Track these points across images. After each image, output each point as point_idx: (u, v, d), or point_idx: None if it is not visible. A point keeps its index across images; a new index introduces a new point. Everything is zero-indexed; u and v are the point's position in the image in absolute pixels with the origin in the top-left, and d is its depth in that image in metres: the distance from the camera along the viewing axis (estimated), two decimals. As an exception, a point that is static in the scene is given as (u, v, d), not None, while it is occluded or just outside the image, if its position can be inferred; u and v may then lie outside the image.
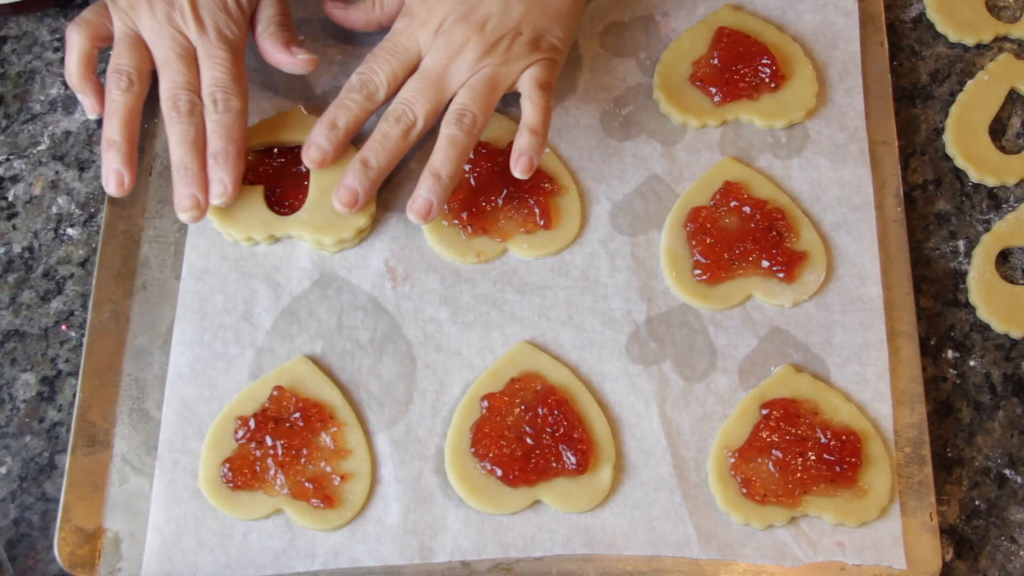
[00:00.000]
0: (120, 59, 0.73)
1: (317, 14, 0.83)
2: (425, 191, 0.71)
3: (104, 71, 0.74)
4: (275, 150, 0.78)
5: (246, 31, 0.76)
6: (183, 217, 0.72)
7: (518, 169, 0.72)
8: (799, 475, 0.69)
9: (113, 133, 0.72)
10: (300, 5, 0.83)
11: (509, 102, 0.80)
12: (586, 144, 0.80)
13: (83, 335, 0.74)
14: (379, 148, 0.73)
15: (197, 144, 0.72)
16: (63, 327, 0.77)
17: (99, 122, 0.82)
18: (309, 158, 0.74)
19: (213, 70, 0.73)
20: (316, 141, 0.73)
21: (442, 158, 0.72)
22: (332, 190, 0.75)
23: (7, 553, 0.71)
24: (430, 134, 0.74)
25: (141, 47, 0.74)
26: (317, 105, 0.80)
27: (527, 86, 0.74)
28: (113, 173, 0.72)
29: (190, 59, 0.73)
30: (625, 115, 0.81)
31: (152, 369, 0.73)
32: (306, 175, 0.77)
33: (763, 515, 0.69)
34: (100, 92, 0.74)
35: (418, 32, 0.74)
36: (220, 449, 0.70)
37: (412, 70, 0.74)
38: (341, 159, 0.75)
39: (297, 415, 0.70)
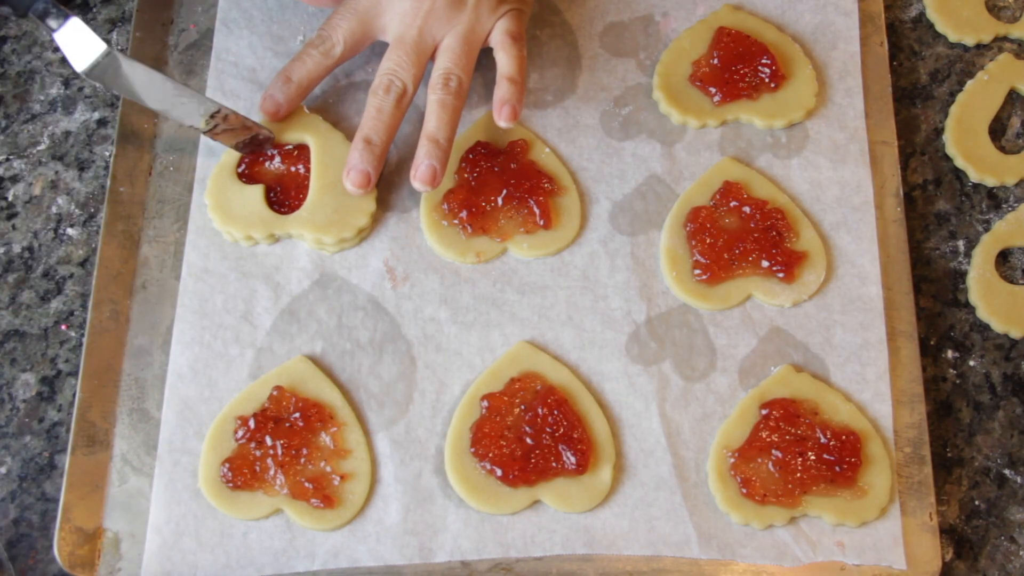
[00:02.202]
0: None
1: (317, 14, 0.83)
2: (426, 157, 0.72)
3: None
4: (276, 150, 0.78)
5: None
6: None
7: (503, 118, 0.73)
8: (799, 475, 0.69)
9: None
10: (299, 8, 0.83)
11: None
12: (586, 144, 0.80)
13: (83, 335, 0.74)
14: (376, 123, 0.74)
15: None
16: (63, 327, 0.77)
17: (99, 122, 0.82)
18: (263, 109, 0.76)
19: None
20: (270, 93, 0.76)
21: (436, 123, 0.73)
22: (332, 189, 0.75)
23: (7, 553, 0.71)
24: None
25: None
26: (317, 105, 0.80)
27: (499, 39, 0.75)
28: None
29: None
30: (625, 115, 0.81)
31: (152, 369, 0.73)
32: (306, 175, 0.77)
33: (763, 515, 0.69)
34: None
35: None
36: (220, 449, 0.70)
37: (371, 30, 0.76)
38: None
39: (297, 415, 0.70)
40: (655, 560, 0.69)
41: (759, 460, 0.70)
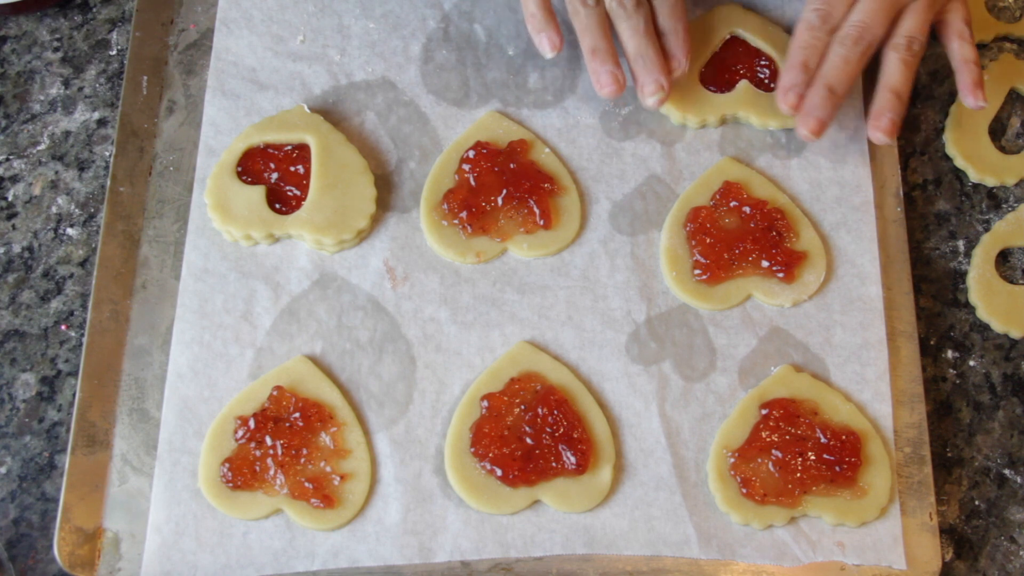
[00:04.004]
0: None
1: (316, 14, 0.83)
2: (890, 111, 0.74)
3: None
4: (276, 150, 0.78)
5: None
6: (651, 102, 0.76)
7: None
8: (799, 475, 0.69)
9: (596, 41, 0.75)
10: (299, 8, 0.83)
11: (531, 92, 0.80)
12: (586, 144, 0.80)
13: (83, 335, 0.74)
14: (841, 74, 0.74)
15: (648, 35, 0.76)
16: (63, 327, 0.77)
17: (99, 122, 0.82)
18: (787, 103, 0.75)
19: None
20: (791, 85, 0.75)
21: (902, 80, 0.75)
22: (332, 190, 0.75)
23: (7, 553, 0.71)
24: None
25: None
26: (317, 105, 0.80)
27: (953, 27, 0.77)
28: (608, 74, 0.75)
29: None
30: (625, 115, 0.81)
31: (152, 369, 0.73)
32: (307, 175, 0.77)
33: (763, 515, 0.69)
34: (558, 28, 0.76)
35: None
36: (220, 449, 0.70)
37: None
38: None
39: (297, 415, 0.70)
40: (655, 560, 0.69)
41: (759, 460, 0.70)
